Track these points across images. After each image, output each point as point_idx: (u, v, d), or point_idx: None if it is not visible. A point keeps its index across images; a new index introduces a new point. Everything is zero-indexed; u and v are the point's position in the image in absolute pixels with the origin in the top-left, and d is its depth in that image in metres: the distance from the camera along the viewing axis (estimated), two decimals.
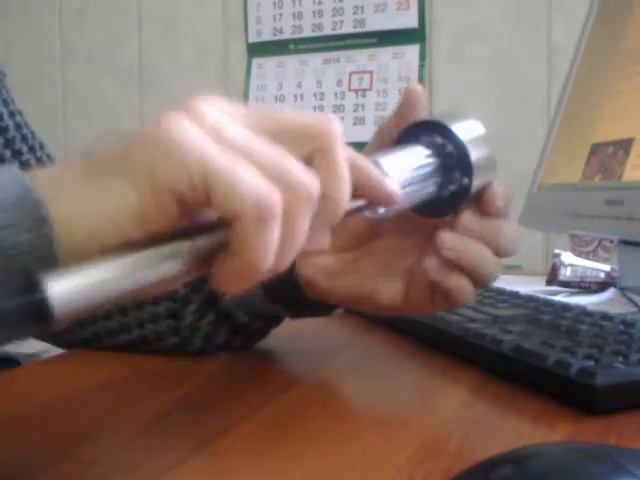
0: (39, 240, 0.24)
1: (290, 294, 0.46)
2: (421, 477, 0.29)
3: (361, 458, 0.31)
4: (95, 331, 0.52)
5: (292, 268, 0.45)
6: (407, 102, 0.40)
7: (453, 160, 0.37)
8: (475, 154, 0.38)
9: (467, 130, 0.38)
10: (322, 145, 0.27)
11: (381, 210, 0.33)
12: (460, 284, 0.38)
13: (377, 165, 0.33)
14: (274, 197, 0.25)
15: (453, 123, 0.38)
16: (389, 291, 0.41)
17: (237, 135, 0.26)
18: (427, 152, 0.37)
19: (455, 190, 0.38)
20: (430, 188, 0.37)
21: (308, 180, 0.26)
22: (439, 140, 0.37)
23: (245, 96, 1.79)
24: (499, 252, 0.40)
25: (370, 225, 0.43)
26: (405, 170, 0.35)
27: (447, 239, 0.38)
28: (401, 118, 0.39)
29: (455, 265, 0.38)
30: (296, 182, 0.26)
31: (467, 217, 0.38)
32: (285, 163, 0.26)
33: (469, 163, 0.37)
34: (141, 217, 0.25)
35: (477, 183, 0.38)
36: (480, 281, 0.39)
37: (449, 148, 0.37)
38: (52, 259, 0.24)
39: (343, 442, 0.33)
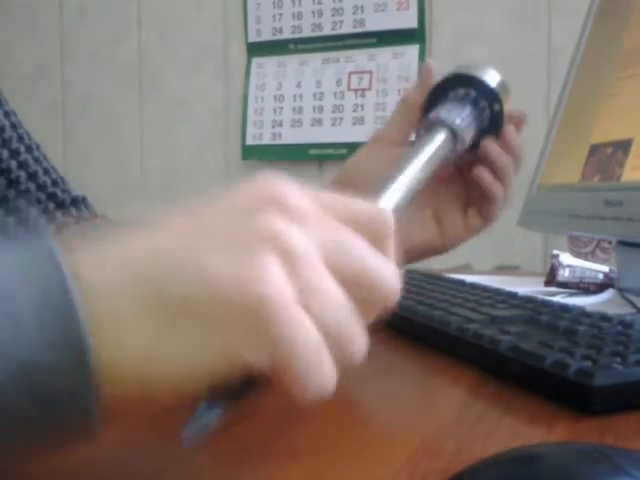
0: (80, 387, 0.21)
1: None
2: (419, 476, 0.29)
3: (359, 457, 0.31)
4: None
5: None
6: (426, 72, 0.54)
7: (481, 97, 0.52)
8: (495, 84, 0.53)
9: (480, 70, 0.53)
10: (380, 238, 0.27)
11: (458, 147, 0.49)
12: (499, 189, 0.54)
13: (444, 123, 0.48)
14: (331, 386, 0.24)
15: (468, 71, 0.53)
16: (426, 230, 0.55)
17: (316, 279, 0.24)
18: (464, 98, 0.51)
19: (492, 117, 0.53)
20: (477, 121, 0.52)
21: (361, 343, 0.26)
22: (465, 90, 0.52)
23: (245, 95, 1.79)
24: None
25: None
26: (462, 115, 0.50)
27: (494, 149, 0.53)
28: (423, 86, 0.53)
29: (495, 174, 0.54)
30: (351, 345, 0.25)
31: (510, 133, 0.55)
32: (348, 323, 0.25)
33: (494, 93, 0.53)
34: (201, 379, 0.23)
35: (504, 106, 0.54)
36: (508, 192, 0.55)
37: (473, 92, 0.52)
38: (91, 411, 0.22)
39: (341, 441, 0.33)
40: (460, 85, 0.52)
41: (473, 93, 0.52)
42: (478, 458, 0.25)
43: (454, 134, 0.49)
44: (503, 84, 0.55)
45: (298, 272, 0.23)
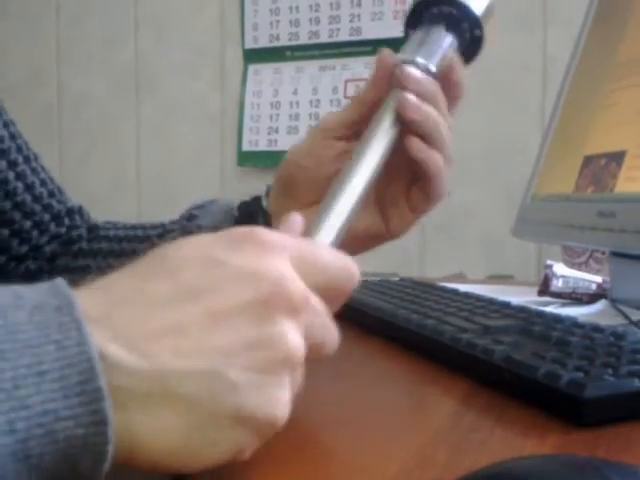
0: (95, 438, 0.23)
1: None
2: None
3: (350, 466, 0.31)
4: None
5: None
6: (380, 65, 0.48)
7: (461, 19, 0.48)
8: (478, 9, 0.48)
9: None
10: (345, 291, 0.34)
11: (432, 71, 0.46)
12: (435, 156, 0.46)
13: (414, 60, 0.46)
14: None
15: None
16: (369, 219, 0.48)
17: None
18: (440, 25, 0.48)
19: (472, 41, 0.49)
20: (454, 46, 0.48)
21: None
22: (444, 10, 0.48)
23: (241, 102, 1.79)
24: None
25: (322, 180, 0.48)
26: (432, 48, 0.47)
27: (412, 100, 0.45)
28: (377, 81, 0.48)
29: (428, 142, 0.46)
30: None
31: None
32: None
33: (477, 18, 0.48)
34: (198, 464, 0.27)
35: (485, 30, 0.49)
36: (447, 158, 0.47)
37: (455, 12, 0.47)
38: (102, 459, 0.24)
39: (331, 450, 0.33)
40: (441, 3, 0.48)
41: (448, 14, 0.48)
42: (469, 469, 0.25)
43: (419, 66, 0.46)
44: (488, 7, 0.49)
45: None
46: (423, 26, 0.49)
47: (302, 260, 0.30)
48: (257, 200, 0.52)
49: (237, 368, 0.26)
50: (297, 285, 0.29)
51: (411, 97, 0.45)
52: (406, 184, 0.48)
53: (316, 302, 0.30)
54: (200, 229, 0.52)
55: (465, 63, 0.50)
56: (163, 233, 0.54)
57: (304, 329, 0.29)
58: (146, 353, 0.25)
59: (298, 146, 0.51)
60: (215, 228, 0.52)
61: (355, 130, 0.49)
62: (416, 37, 0.49)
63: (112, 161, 1.97)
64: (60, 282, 0.26)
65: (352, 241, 0.47)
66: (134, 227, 0.57)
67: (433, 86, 0.47)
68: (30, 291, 0.25)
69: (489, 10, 0.49)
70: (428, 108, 0.46)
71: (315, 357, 0.31)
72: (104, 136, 1.98)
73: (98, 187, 1.93)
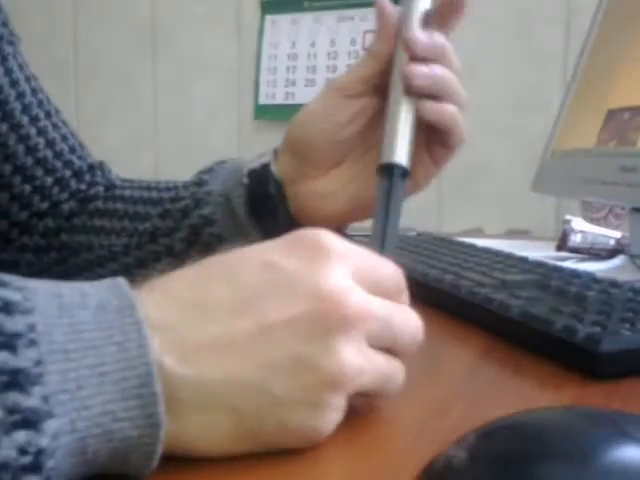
0: (148, 439, 0.24)
1: (282, 222, 0.50)
2: (428, 436, 0.29)
3: (365, 418, 0.32)
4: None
5: (284, 199, 0.50)
6: (381, 14, 0.48)
7: None
8: None
9: None
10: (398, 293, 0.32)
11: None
12: (448, 111, 0.45)
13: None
14: None
15: None
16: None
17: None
18: None
19: None
20: None
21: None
22: None
23: (258, 54, 1.77)
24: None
25: (352, 136, 0.48)
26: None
27: (416, 69, 0.44)
28: (385, 32, 0.47)
29: (440, 99, 0.45)
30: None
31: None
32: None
33: None
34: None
35: None
36: (457, 102, 0.46)
37: None
38: (152, 457, 0.25)
39: (350, 400, 0.34)
40: None
41: None
42: (485, 420, 0.25)
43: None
44: None
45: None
46: None
47: (360, 268, 0.29)
48: (266, 167, 0.50)
49: (282, 384, 0.26)
50: (355, 296, 0.28)
51: (414, 68, 0.44)
52: (425, 139, 0.47)
53: (378, 305, 0.29)
54: (209, 195, 0.51)
55: None
56: (175, 198, 0.53)
57: (365, 341, 0.28)
58: (197, 365, 0.26)
59: (311, 107, 0.49)
60: (225, 195, 0.51)
61: (372, 85, 0.47)
62: None
63: (129, 115, 1.97)
64: (121, 282, 0.26)
65: (365, 202, 0.47)
66: (149, 188, 0.57)
67: (438, 42, 0.45)
68: (93, 289, 0.26)
69: None
70: (434, 70, 0.45)
71: (401, 356, 0.31)
72: (121, 90, 1.97)
73: (115, 142, 1.93)
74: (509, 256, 0.62)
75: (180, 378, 0.25)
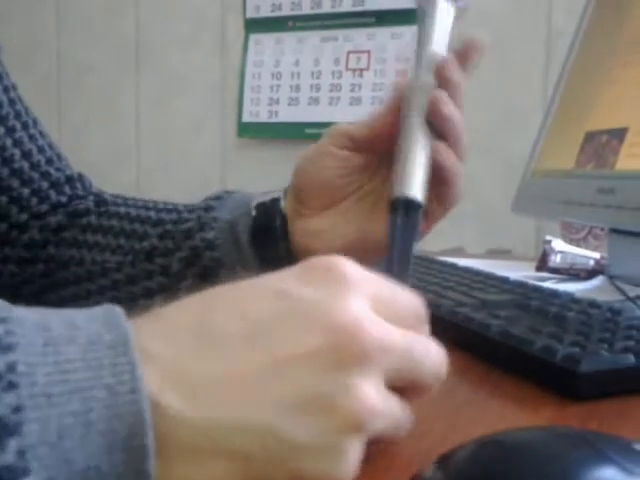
0: None
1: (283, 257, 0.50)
2: (406, 457, 0.29)
3: None
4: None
5: (286, 233, 0.50)
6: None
7: None
8: None
9: None
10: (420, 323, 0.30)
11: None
12: (457, 161, 0.46)
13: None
14: None
15: None
16: (378, 226, 0.46)
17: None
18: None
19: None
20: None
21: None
22: None
23: (242, 72, 1.78)
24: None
25: (340, 183, 0.49)
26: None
27: (447, 97, 0.44)
28: (390, 109, 0.47)
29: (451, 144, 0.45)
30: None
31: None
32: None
33: None
34: None
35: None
36: (462, 154, 0.46)
37: None
38: None
39: None
40: None
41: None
42: (464, 440, 0.25)
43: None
44: None
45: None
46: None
47: (379, 298, 0.27)
48: (275, 202, 0.51)
49: (295, 425, 0.24)
50: (374, 328, 0.25)
51: (445, 95, 0.45)
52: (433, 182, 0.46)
53: (398, 339, 0.27)
54: (215, 221, 0.51)
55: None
56: (178, 221, 0.53)
57: (384, 378, 0.26)
58: (202, 404, 0.23)
59: (306, 152, 0.50)
60: (231, 222, 0.51)
61: (361, 146, 0.48)
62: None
63: (112, 131, 1.96)
64: (117, 313, 0.24)
65: (367, 250, 0.47)
66: (146, 207, 0.56)
67: (460, 77, 0.46)
68: (85, 322, 0.24)
69: None
70: (457, 112, 0.45)
71: (419, 395, 0.29)
72: (104, 106, 1.97)
73: (97, 157, 1.92)
74: (489, 276, 0.62)
75: (180, 419, 0.23)
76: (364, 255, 0.45)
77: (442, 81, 0.45)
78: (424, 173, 0.43)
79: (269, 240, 0.50)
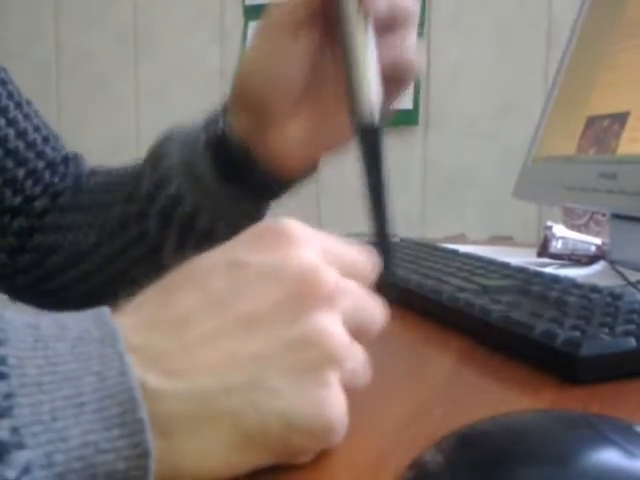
0: (137, 471, 0.23)
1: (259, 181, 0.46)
2: (407, 441, 0.29)
3: (347, 421, 0.32)
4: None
5: (251, 160, 0.44)
6: None
7: None
8: None
9: None
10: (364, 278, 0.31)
11: None
12: (413, 44, 0.41)
13: None
14: None
15: None
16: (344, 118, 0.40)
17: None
18: None
19: None
20: None
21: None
22: None
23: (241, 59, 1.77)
24: None
25: (295, 84, 0.42)
26: None
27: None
28: None
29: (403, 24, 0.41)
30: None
31: None
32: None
33: None
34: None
35: None
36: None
37: None
38: None
39: None
40: None
41: None
42: (465, 423, 0.25)
43: None
44: None
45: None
46: None
47: (328, 251, 0.29)
48: (222, 136, 0.46)
49: (276, 373, 0.25)
50: (327, 272, 0.27)
51: None
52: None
53: (349, 284, 0.29)
54: (171, 170, 0.47)
55: None
56: (137, 178, 0.49)
57: (344, 316, 0.27)
58: (183, 375, 0.24)
59: (254, 53, 0.43)
60: (188, 166, 0.46)
61: (312, 13, 0.40)
62: None
63: (111, 120, 1.96)
64: (105, 312, 0.25)
65: (333, 138, 0.43)
66: (110, 173, 0.54)
67: None
68: (75, 322, 0.25)
69: None
70: None
71: (363, 340, 0.29)
72: (102, 95, 1.96)
73: (96, 147, 1.92)
74: (490, 262, 0.62)
75: (168, 392, 0.24)
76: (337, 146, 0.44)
77: None
78: (378, 84, 0.39)
79: (237, 175, 0.45)
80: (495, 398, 0.35)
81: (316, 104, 0.44)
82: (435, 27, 1.61)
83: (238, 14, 1.79)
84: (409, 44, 0.41)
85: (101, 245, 0.51)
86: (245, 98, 0.44)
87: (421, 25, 1.58)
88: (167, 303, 0.26)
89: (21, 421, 0.21)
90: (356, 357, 0.28)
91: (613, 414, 0.27)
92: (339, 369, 0.26)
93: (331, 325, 0.26)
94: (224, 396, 0.24)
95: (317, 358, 0.25)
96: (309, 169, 0.47)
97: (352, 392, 0.28)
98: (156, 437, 0.23)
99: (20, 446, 0.21)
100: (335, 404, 0.26)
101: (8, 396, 0.22)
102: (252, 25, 1.75)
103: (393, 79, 0.41)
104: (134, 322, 0.25)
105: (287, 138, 0.44)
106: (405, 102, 1.58)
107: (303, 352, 0.25)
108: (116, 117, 1.95)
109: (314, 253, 0.28)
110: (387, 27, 0.40)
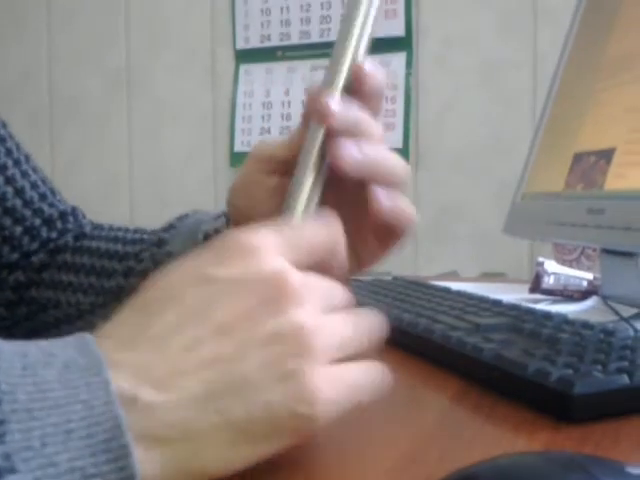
0: None
1: None
2: None
3: (343, 465, 0.31)
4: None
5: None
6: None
7: None
8: None
9: None
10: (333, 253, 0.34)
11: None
12: (386, 197, 0.40)
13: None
14: None
15: None
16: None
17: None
18: None
19: None
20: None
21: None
22: None
23: (232, 102, 1.79)
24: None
25: (271, 205, 0.43)
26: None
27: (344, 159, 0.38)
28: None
29: (387, 183, 0.40)
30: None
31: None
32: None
33: None
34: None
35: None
36: (402, 182, 0.41)
37: None
38: None
39: (324, 449, 0.33)
40: None
41: None
42: (460, 466, 0.25)
43: None
44: None
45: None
46: None
47: (288, 246, 0.31)
48: (218, 231, 0.50)
49: (256, 367, 0.27)
50: (290, 273, 0.29)
51: (343, 147, 0.38)
52: (370, 222, 0.41)
53: (316, 281, 0.31)
54: (170, 257, 0.50)
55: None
56: (138, 255, 0.52)
57: (313, 308, 0.29)
58: (172, 386, 0.26)
59: (239, 179, 0.46)
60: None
61: (287, 167, 0.42)
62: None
63: (104, 163, 1.97)
64: (89, 339, 0.26)
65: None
66: (116, 239, 0.56)
67: (357, 114, 0.39)
68: (60, 349, 0.26)
69: None
70: (358, 147, 0.38)
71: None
72: (96, 137, 1.98)
73: (90, 189, 1.92)
74: (483, 299, 0.62)
75: (162, 404, 0.25)
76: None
77: (359, 90, 0.39)
78: (311, 195, 0.38)
79: None
80: (490, 439, 0.35)
81: None
82: (422, 66, 1.64)
83: (229, 57, 1.81)
84: (397, 200, 0.41)
85: (98, 307, 0.53)
86: (231, 215, 0.49)
87: (409, 64, 1.61)
88: (146, 323, 0.28)
89: (13, 447, 0.22)
90: (341, 330, 0.30)
91: (608, 454, 0.27)
92: (319, 360, 0.28)
93: (300, 316, 0.28)
94: (211, 399, 0.26)
95: (292, 350, 0.27)
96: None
97: (347, 431, 0.28)
98: (158, 445, 0.25)
99: (12, 471, 0.22)
100: (316, 393, 0.28)
101: (1, 422, 0.23)
102: (243, 68, 1.77)
103: (388, 232, 0.42)
104: (117, 343, 0.27)
105: None
106: (395, 141, 1.60)
107: (278, 346, 0.27)
108: (109, 160, 1.96)
109: (275, 257, 0.29)
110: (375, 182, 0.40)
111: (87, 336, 0.27)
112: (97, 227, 0.59)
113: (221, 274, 0.28)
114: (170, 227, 0.53)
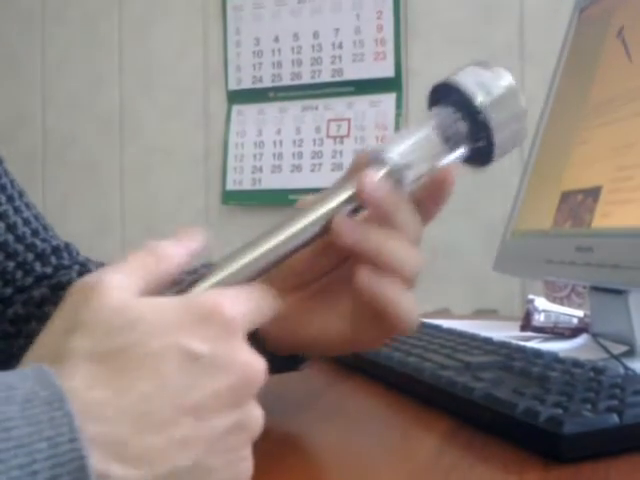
0: None
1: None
2: None
3: None
4: None
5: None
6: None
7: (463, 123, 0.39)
8: (491, 116, 0.39)
9: (481, 88, 0.40)
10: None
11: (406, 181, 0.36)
12: (387, 288, 0.37)
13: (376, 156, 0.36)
14: None
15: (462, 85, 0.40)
16: (337, 326, 0.41)
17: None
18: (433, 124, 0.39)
19: (479, 149, 0.40)
20: (443, 155, 0.39)
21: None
22: (449, 110, 0.40)
23: (225, 142, 1.81)
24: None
25: (309, 266, 0.41)
26: (408, 149, 0.37)
27: (343, 225, 0.37)
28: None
29: (385, 270, 0.37)
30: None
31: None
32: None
33: (481, 124, 0.39)
34: None
35: (502, 137, 0.40)
36: (406, 278, 0.38)
37: (457, 114, 0.39)
38: None
39: None
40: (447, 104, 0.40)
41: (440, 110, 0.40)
42: None
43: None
44: (502, 95, 0.39)
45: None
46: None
47: (249, 319, 0.31)
48: None
49: (215, 454, 0.29)
50: (259, 364, 0.30)
51: (346, 221, 0.37)
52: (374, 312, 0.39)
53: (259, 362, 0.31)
54: None
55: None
56: None
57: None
58: (142, 462, 0.26)
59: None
60: None
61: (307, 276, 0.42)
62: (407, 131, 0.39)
63: (96, 203, 1.97)
64: (47, 371, 0.26)
65: (324, 347, 0.43)
66: None
67: (392, 203, 0.38)
68: (19, 381, 0.25)
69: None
70: (370, 232, 0.37)
71: None
72: (88, 178, 1.98)
73: (82, 230, 1.92)
74: (473, 337, 0.62)
75: (131, 477, 0.26)
76: (314, 350, 0.45)
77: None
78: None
79: None
80: None
81: (310, 296, 0.43)
82: (412, 107, 1.66)
83: (221, 98, 1.83)
84: (390, 288, 0.38)
85: None
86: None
87: (399, 105, 1.63)
88: (122, 388, 0.27)
89: None
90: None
91: None
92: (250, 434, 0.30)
93: (257, 408, 0.30)
94: (176, 477, 0.27)
95: (246, 439, 0.30)
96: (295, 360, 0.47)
97: (338, 472, 0.28)
98: None
99: None
100: (249, 468, 0.30)
101: None
102: (235, 109, 1.79)
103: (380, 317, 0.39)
104: (88, 407, 0.26)
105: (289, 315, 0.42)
106: None
107: (238, 435, 0.29)
108: (101, 201, 1.97)
109: (244, 343, 0.30)
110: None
111: (44, 367, 0.26)
112: (100, 264, 0.59)
113: (205, 351, 0.29)
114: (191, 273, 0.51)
